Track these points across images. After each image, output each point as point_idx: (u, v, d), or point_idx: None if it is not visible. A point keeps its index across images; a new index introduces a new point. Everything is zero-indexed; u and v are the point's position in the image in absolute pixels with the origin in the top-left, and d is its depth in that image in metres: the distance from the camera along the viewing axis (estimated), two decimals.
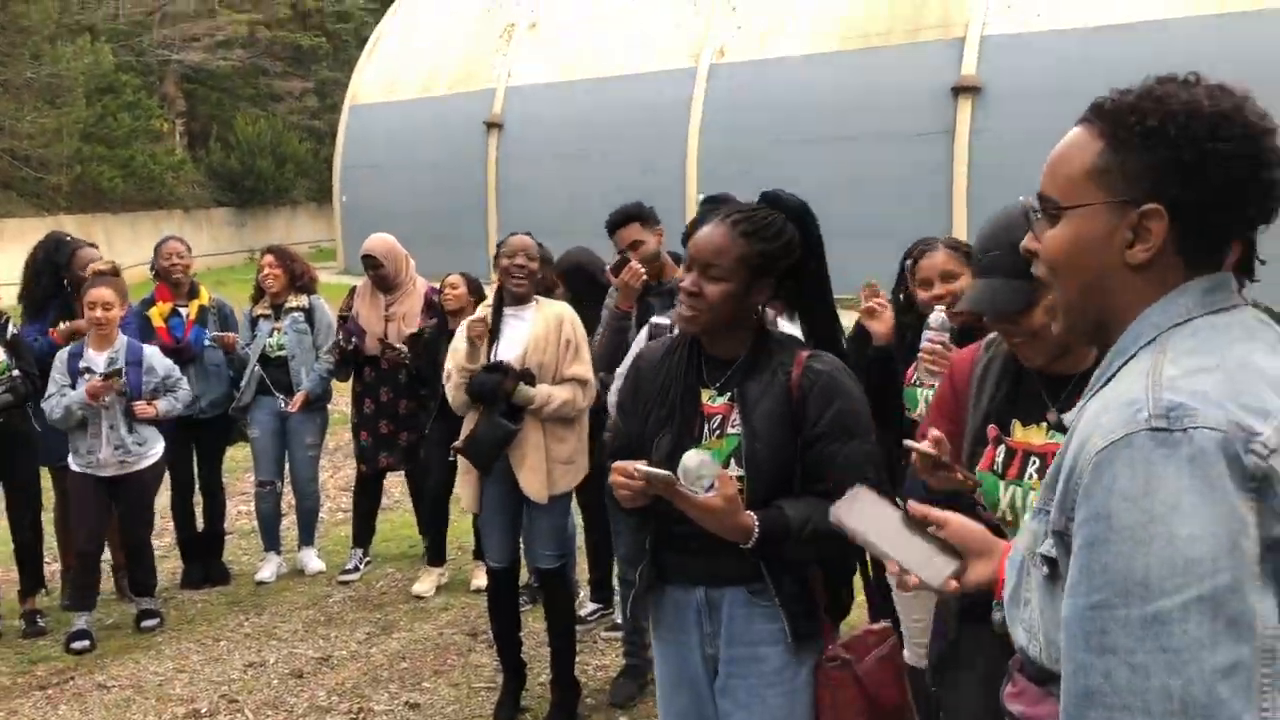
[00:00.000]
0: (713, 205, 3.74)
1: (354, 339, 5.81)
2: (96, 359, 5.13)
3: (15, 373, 5.19)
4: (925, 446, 2.18)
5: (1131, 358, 1.27)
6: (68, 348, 5.19)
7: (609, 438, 2.74)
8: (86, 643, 5.12)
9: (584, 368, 4.20)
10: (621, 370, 3.73)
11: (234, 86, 29.06)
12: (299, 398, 5.84)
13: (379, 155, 21.88)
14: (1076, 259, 1.31)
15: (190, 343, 5.77)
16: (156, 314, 5.81)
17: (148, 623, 5.34)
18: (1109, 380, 1.28)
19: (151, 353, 5.33)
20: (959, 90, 15.14)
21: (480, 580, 5.58)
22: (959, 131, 15.16)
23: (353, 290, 6.09)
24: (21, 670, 4.94)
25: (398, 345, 5.60)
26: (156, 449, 5.30)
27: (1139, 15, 13.78)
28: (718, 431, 2.39)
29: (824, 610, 2.43)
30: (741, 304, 2.37)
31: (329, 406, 6.20)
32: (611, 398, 3.95)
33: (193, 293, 5.95)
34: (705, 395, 2.43)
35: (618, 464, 2.29)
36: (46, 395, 5.07)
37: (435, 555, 5.83)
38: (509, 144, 20.26)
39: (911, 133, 15.42)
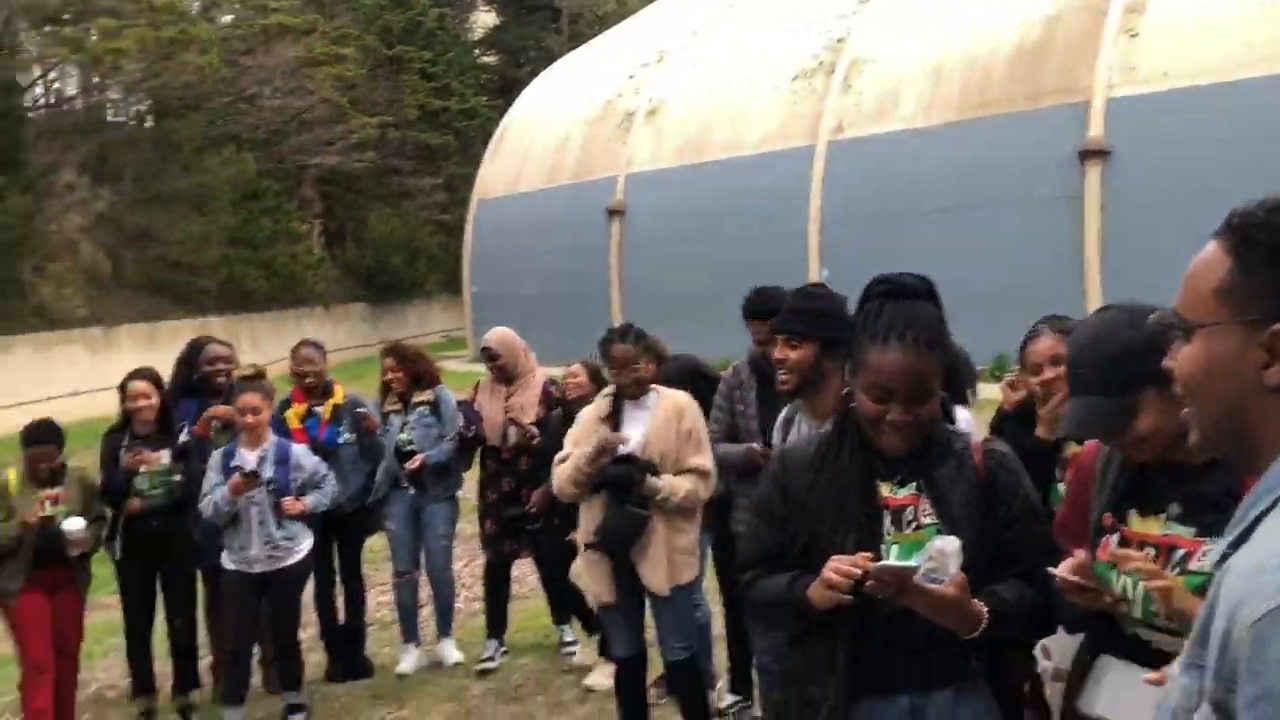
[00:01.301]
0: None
1: (474, 426, 5.99)
2: (248, 458, 5.36)
3: (177, 477, 5.48)
4: (1066, 573, 2.12)
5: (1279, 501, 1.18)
6: (222, 449, 5.44)
7: (744, 551, 2.63)
8: None
9: (705, 459, 4.20)
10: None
11: (367, 186, 30.37)
12: (418, 458, 5.97)
13: (505, 245, 22.54)
14: (1211, 379, 1.26)
15: (325, 442, 5.99)
16: (293, 416, 6.04)
17: (295, 716, 5.47)
18: (1256, 522, 1.19)
19: (300, 450, 5.55)
20: (1086, 154, 14.85)
21: (594, 677, 5.60)
22: (1088, 196, 14.84)
23: (477, 384, 6.33)
24: None
25: (526, 425, 5.76)
26: (305, 545, 5.49)
27: (1271, 69, 13.34)
28: (913, 523, 2.32)
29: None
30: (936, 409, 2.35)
31: (459, 495, 6.35)
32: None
33: (327, 392, 6.17)
34: (885, 489, 2.35)
35: (837, 563, 2.19)
36: (202, 494, 5.31)
37: (602, 648, 5.78)
38: (631, 229, 20.65)
39: (1036, 200, 15.16)
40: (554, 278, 21.19)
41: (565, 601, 6.09)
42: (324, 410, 6.09)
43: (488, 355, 6.12)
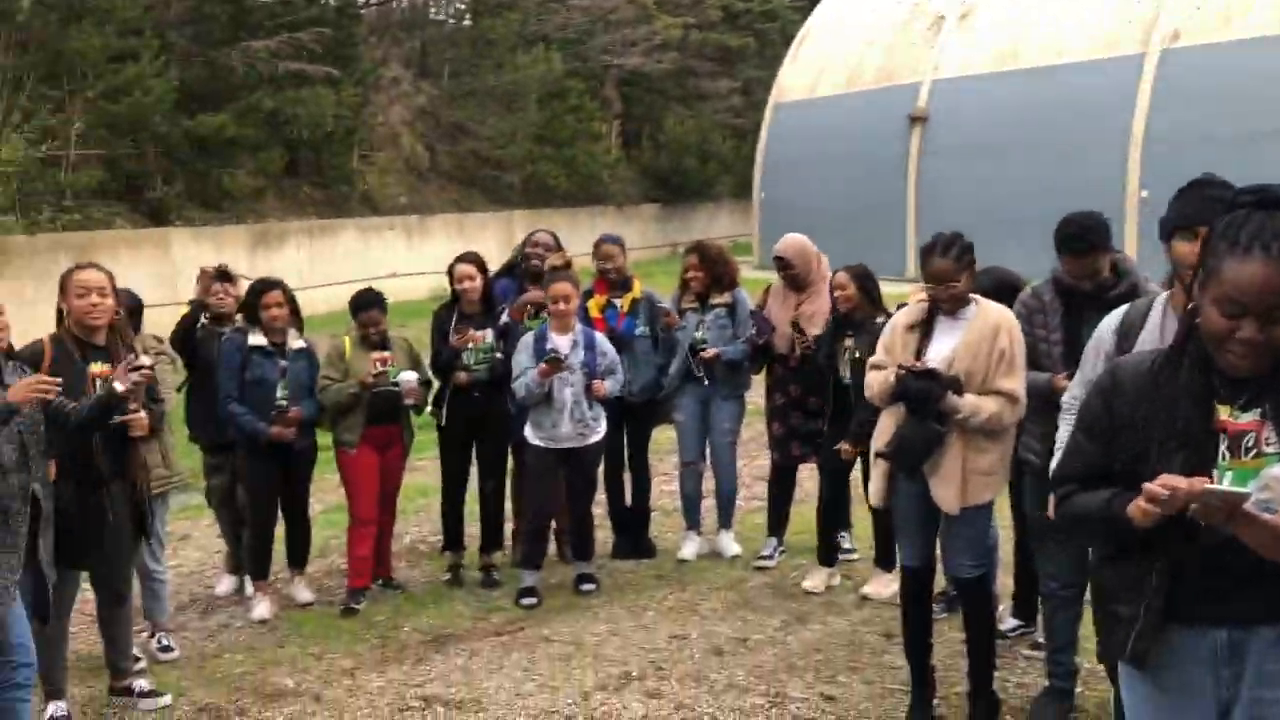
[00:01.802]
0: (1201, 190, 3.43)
1: (765, 334, 6.02)
2: (560, 343, 5.67)
3: (498, 355, 5.88)
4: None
5: None
6: (533, 331, 5.77)
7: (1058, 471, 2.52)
8: (534, 600, 5.69)
9: (1015, 383, 4.00)
10: None
11: (665, 88, 30.66)
12: (713, 350, 6.09)
13: (799, 151, 22.25)
14: None
15: (622, 333, 6.22)
16: (594, 306, 6.30)
17: (586, 586, 5.83)
18: None
19: (601, 338, 5.83)
20: None
21: (875, 588, 5.59)
22: None
23: (768, 288, 6.32)
24: (480, 617, 5.58)
25: (806, 335, 5.76)
26: (603, 426, 5.81)
27: None
28: (1252, 450, 2.18)
29: None
30: None
31: (745, 396, 6.45)
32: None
33: (626, 286, 6.38)
34: (1224, 412, 2.21)
35: (1165, 480, 2.08)
36: (514, 376, 5.67)
37: (826, 555, 5.86)
38: (933, 138, 19.86)
39: None
40: (847, 185, 20.76)
41: (839, 508, 6.08)
42: (622, 303, 6.32)
43: (781, 264, 6.11)
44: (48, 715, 4.37)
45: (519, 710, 4.46)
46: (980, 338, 4.02)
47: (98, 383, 4.29)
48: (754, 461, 8.24)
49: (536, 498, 5.86)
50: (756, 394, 6.58)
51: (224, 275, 5.86)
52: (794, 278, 6.09)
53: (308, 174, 20.82)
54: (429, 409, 6.07)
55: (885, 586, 5.54)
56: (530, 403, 5.66)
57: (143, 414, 4.40)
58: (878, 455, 4.23)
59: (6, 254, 14.10)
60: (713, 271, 6.25)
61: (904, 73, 20.77)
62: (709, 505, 6.68)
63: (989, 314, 4.07)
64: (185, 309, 5.97)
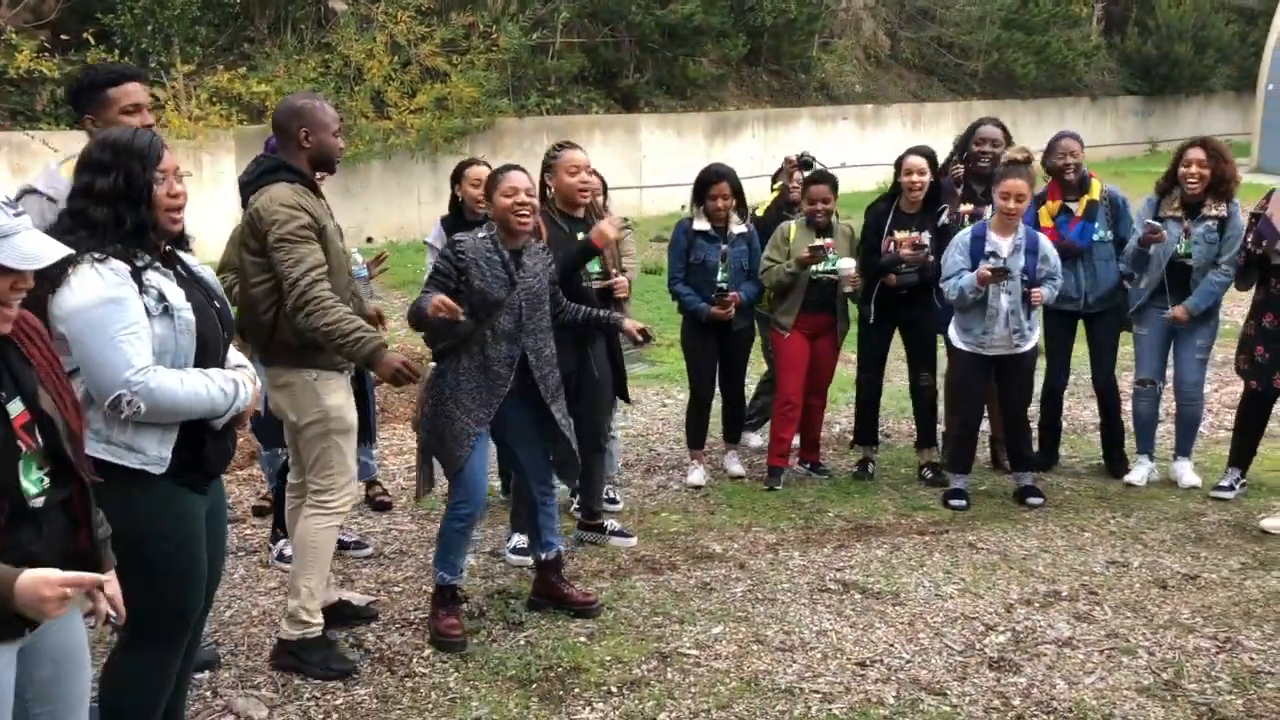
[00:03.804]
0: None
1: (1263, 242, 5.26)
2: (1000, 244, 5.37)
3: (930, 257, 5.69)
4: None
5: None
6: (970, 229, 5.50)
7: None
8: (963, 502, 5.56)
9: None
10: None
11: None
12: (1177, 311, 5.53)
13: None
14: None
15: (1074, 239, 5.74)
16: (1045, 213, 5.82)
17: (1033, 500, 5.56)
18: None
19: (1045, 242, 5.46)
20: None
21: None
22: None
23: (1270, 193, 5.46)
24: (904, 513, 5.55)
25: None
26: (1036, 333, 5.53)
27: None
28: None
29: None
30: None
31: (1221, 316, 5.78)
32: None
33: (1084, 186, 5.85)
34: None
35: None
36: (944, 275, 5.46)
37: None
38: None
39: None
40: None
41: None
42: (1078, 207, 5.82)
43: None
44: (512, 544, 4.96)
45: (937, 610, 4.41)
46: None
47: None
48: (1225, 388, 7.43)
49: (963, 404, 5.66)
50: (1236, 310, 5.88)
51: (804, 164, 6.20)
52: None
53: (767, 61, 21.05)
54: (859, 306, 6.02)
55: None
56: (961, 306, 5.43)
57: (623, 278, 5.00)
58: None
59: (501, 134, 15.63)
60: (1216, 171, 5.53)
61: None
62: (1166, 430, 6.13)
63: None
64: (774, 194, 6.55)
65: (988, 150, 5.93)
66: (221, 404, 2.79)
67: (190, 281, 2.86)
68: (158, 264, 2.78)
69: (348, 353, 3.66)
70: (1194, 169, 5.51)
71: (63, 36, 12.61)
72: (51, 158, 4.34)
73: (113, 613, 2.36)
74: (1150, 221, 5.52)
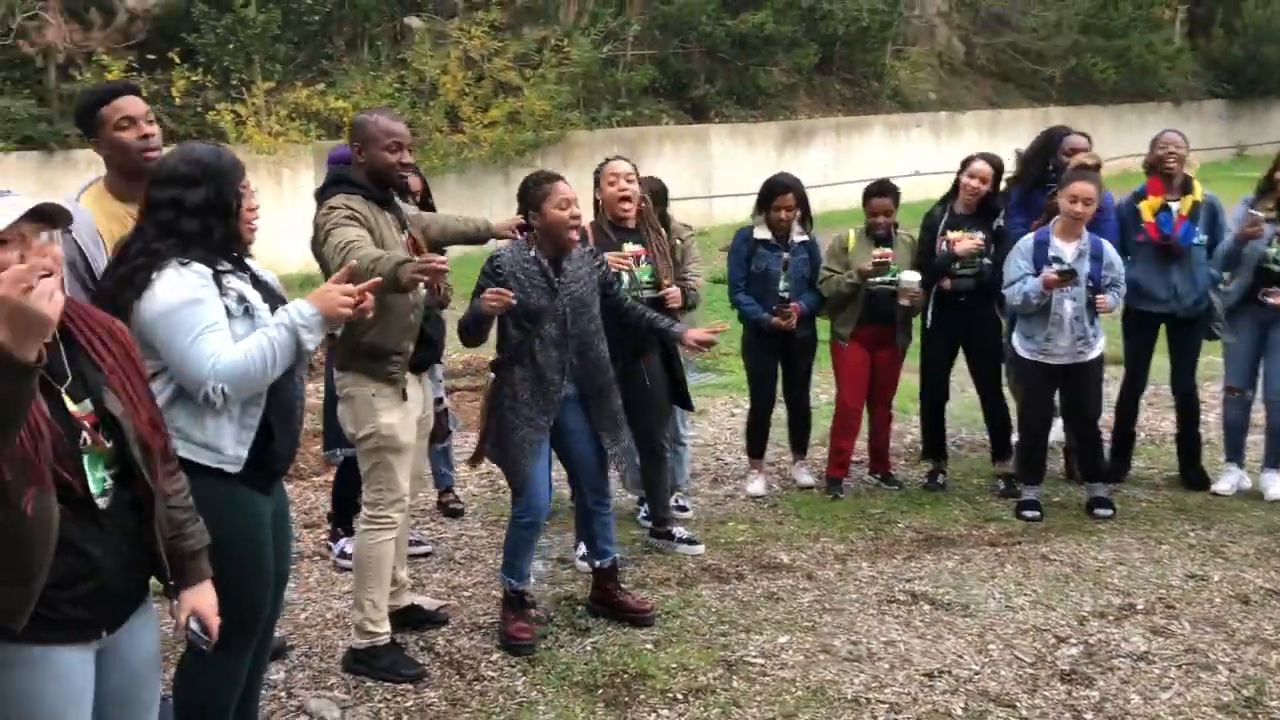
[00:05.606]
0: None
1: None
2: (1065, 250, 5.27)
3: (986, 261, 5.64)
4: None
5: None
6: (1033, 234, 5.40)
7: None
8: (1036, 513, 5.47)
9: None
10: None
11: None
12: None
13: None
14: None
15: (1178, 240, 5.61)
16: (1146, 208, 5.72)
17: (1101, 511, 5.46)
18: None
19: (1109, 248, 5.35)
20: None
21: None
22: None
23: None
24: (976, 524, 5.47)
25: None
26: (1102, 341, 5.41)
27: None
28: None
29: None
30: None
31: None
32: None
33: (1186, 187, 5.73)
34: None
35: None
36: (1008, 281, 5.36)
37: None
38: None
39: None
40: None
41: None
42: (1181, 206, 5.69)
43: None
44: (580, 551, 4.98)
45: (1009, 622, 4.34)
46: None
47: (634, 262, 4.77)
48: None
49: (1028, 413, 5.55)
50: None
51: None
52: None
53: (839, 70, 20.93)
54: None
55: None
56: (1024, 312, 5.33)
57: (676, 289, 4.95)
58: None
59: (572, 147, 15.74)
60: None
61: None
62: (1255, 440, 5.96)
63: None
64: None
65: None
66: (285, 340, 2.78)
67: (258, 284, 2.96)
68: (235, 270, 2.88)
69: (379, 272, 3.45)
70: None
71: (149, 56, 13.03)
72: (70, 187, 4.47)
73: (194, 626, 2.44)
74: (1252, 212, 5.38)
